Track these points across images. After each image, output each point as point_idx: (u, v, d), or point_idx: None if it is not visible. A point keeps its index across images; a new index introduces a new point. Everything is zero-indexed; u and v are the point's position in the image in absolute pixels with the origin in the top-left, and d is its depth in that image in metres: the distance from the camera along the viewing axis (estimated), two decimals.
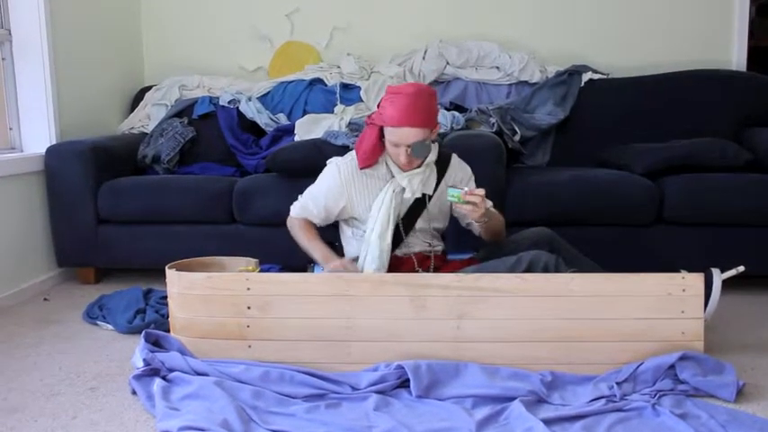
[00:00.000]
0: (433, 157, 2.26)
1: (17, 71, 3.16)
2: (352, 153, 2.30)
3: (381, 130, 2.19)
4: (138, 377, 1.94)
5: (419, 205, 2.28)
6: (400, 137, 2.13)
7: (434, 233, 2.34)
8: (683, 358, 1.92)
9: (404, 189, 2.22)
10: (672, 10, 3.71)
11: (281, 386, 1.90)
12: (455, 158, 2.37)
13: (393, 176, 2.23)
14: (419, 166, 2.22)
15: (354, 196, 2.25)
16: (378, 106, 2.25)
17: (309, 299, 2.02)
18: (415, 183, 2.21)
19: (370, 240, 2.22)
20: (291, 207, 2.37)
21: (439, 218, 2.33)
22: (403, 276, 2.05)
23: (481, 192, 2.10)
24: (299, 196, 2.36)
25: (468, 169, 2.39)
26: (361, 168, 2.25)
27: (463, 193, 2.08)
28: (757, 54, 4.06)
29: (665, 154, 3.00)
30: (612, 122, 3.44)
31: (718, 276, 2.19)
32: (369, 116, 2.30)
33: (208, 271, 2.16)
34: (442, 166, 2.31)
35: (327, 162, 2.34)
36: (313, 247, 2.28)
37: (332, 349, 2.02)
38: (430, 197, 2.28)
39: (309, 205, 2.32)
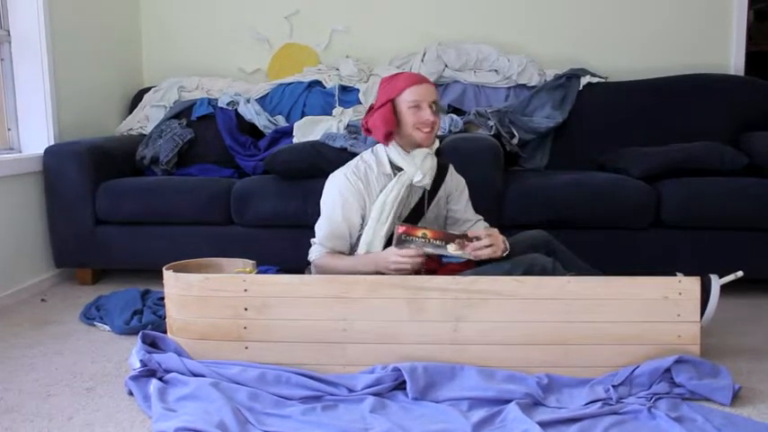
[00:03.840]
0: (437, 143, 2.29)
1: (16, 72, 3.16)
2: (353, 161, 2.29)
3: (393, 109, 2.18)
4: (134, 378, 1.94)
5: (418, 210, 2.29)
6: (423, 94, 2.17)
7: None
8: (678, 361, 1.92)
9: (411, 185, 2.22)
10: (670, 14, 3.72)
11: (278, 388, 1.90)
12: (452, 168, 2.40)
13: (396, 172, 2.23)
14: (431, 145, 2.24)
15: (367, 199, 2.22)
16: (374, 101, 2.26)
17: (306, 301, 2.02)
18: (426, 166, 2.21)
19: (371, 227, 2.19)
20: (310, 252, 2.27)
21: (434, 224, 2.34)
22: (400, 278, 2.05)
23: (480, 232, 2.13)
24: (312, 240, 2.28)
25: (463, 180, 2.41)
26: (385, 141, 2.20)
27: (471, 249, 2.10)
28: (755, 59, 4.07)
29: (663, 158, 3.01)
30: (610, 126, 3.45)
31: (716, 282, 2.19)
32: (369, 110, 2.27)
33: (205, 272, 2.17)
34: (441, 171, 2.33)
35: (327, 183, 2.27)
36: (356, 262, 2.18)
37: (328, 351, 2.02)
38: (429, 198, 2.29)
39: (330, 230, 2.22)
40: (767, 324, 2.56)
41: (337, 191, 2.22)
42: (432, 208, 2.32)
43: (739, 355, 2.21)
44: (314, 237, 2.28)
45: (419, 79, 2.21)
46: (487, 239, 2.10)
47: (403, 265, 2.09)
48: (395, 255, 2.10)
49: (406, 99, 2.18)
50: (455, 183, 2.38)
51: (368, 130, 2.27)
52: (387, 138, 2.20)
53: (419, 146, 2.22)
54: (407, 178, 2.21)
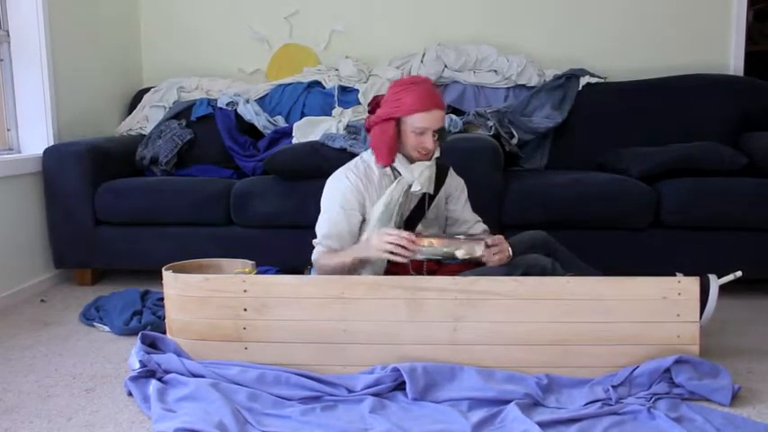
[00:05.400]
0: (438, 152, 2.26)
1: (15, 72, 3.16)
2: (353, 161, 2.28)
3: (396, 124, 2.16)
4: (134, 379, 1.94)
5: (418, 211, 2.29)
6: (431, 121, 2.12)
7: None
8: (678, 362, 1.92)
9: (410, 187, 2.20)
10: (670, 14, 3.72)
11: (277, 388, 1.90)
12: (452, 170, 2.39)
13: (397, 175, 2.21)
14: (431, 158, 2.21)
15: (367, 198, 2.20)
16: (378, 105, 2.22)
17: (306, 301, 2.02)
18: (424, 177, 2.19)
19: (371, 229, 2.17)
20: (313, 253, 2.23)
21: (434, 224, 2.34)
22: (399, 279, 2.05)
23: (492, 240, 2.12)
24: (314, 241, 2.24)
25: (462, 182, 2.40)
26: (385, 166, 2.20)
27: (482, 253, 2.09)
28: (755, 59, 4.07)
29: (662, 158, 3.01)
30: (610, 126, 3.45)
31: (715, 282, 2.19)
32: (371, 114, 2.24)
33: (205, 273, 2.17)
34: (441, 173, 2.32)
35: (327, 183, 2.25)
36: (345, 254, 2.14)
37: (328, 351, 2.02)
38: (430, 199, 2.29)
39: (328, 228, 2.19)
40: (767, 324, 2.56)
41: (336, 189, 2.21)
42: (432, 208, 2.32)
43: (739, 356, 2.21)
44: (315, 237, 2.28)
45: (430, 105, 2.12)
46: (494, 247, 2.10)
47: (392, 239, 2.01)
48: (382, 235, 2.03)
49: (412, 123, 2.13)
50: (455, 185, 2.38)
51: (369, 130, 2.26)
52: (389, 159, 2.18)
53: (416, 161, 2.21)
54: (406, 183, 2.21)
